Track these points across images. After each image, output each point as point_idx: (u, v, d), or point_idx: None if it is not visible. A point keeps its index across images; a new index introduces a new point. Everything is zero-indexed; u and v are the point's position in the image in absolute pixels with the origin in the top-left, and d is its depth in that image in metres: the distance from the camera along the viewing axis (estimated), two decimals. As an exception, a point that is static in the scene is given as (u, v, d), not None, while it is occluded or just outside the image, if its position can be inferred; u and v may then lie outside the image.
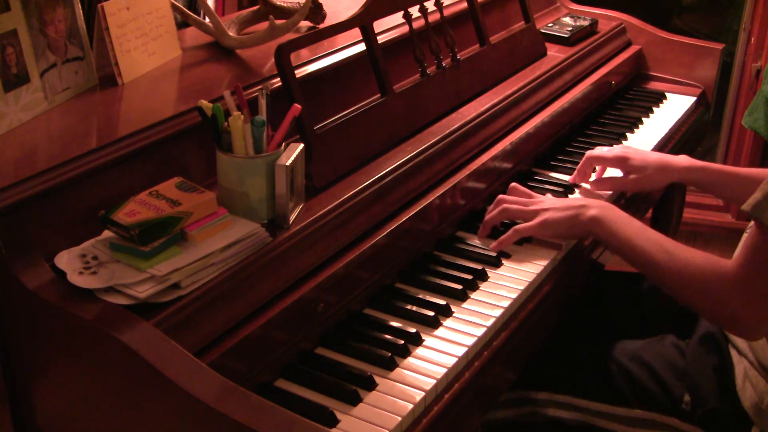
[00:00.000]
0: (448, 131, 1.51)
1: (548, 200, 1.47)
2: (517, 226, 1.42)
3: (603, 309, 1.64)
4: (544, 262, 1.40)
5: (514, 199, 1.48)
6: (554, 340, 1.46)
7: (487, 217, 1.47)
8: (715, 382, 1.38)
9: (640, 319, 1.59)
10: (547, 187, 1.66)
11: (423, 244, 1.40)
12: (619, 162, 1.66)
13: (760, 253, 1.21)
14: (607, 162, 1.67)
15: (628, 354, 1.46)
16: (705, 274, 1.27)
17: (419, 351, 1.19)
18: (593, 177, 1.70)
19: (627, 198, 1.70)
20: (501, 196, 1.50)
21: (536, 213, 1.43)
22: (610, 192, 1.67)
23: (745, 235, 1.39)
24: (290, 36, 1.48)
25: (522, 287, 1.33)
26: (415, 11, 1.56)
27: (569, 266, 1.45)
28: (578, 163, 1.76)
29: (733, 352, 1.40)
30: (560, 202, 1.46)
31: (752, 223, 1.24)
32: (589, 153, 1.69)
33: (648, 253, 1.33)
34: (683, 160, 1.65)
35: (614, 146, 1.74)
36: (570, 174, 1.71)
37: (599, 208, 1.41)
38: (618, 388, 1.42)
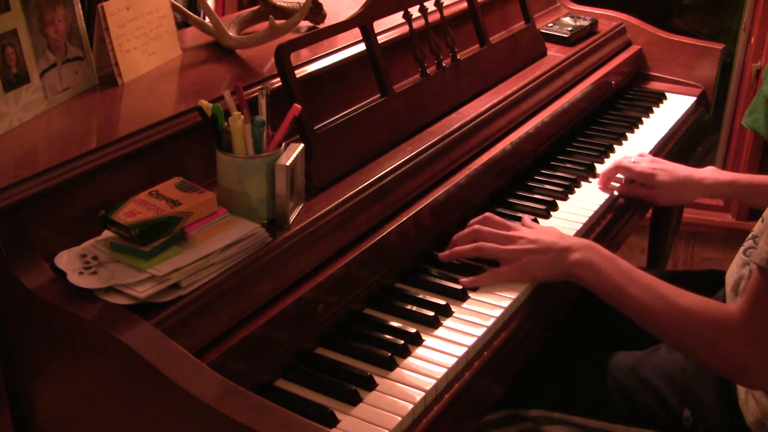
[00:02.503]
0: (448, 131, 1.51)
1: (526, 233, 1.37)
2: (496, 271, 1.34)
3: (595, 320, 1.62)
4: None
5: (489, 231, 1.38)
6: (546, 355, 1.43)
7: (458, 248, 1.38)
8: (717, 398, 1.34)
9: (633, 327, 1.56)
10: (548, 186, 1.66)
11: (423, 244, 1.40)
12: (646, 178, 1.67)
13: (766, 297, 1.14)
14: (633, 175, 1.68)
15: (623, 369, 1.41)
16: (708, 323, 1.20)
17: (419, 351, 1.19)
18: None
19: (627, 199, 1.70)
20: (476, 226, 1.40)
21: (514, 255, 1.34)
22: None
23: (742, 253, 1.36)
24: (290, 36, 1.48)
25: (523, 287, 1.33)
26: (415, 11, 1.56)
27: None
28: (578, 163, 1.76)
29: None
30: (540, 238, 1.36)
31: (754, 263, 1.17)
32: (618, 161, 1.69)
33: (642, 302, 1.26)
34: (710, 174, 1.64)
35: (644, 158, 1.72)
36: (569, 173, 1.71)
37: (582, 250, 1.32)
38: (615, 405, 1.39)
